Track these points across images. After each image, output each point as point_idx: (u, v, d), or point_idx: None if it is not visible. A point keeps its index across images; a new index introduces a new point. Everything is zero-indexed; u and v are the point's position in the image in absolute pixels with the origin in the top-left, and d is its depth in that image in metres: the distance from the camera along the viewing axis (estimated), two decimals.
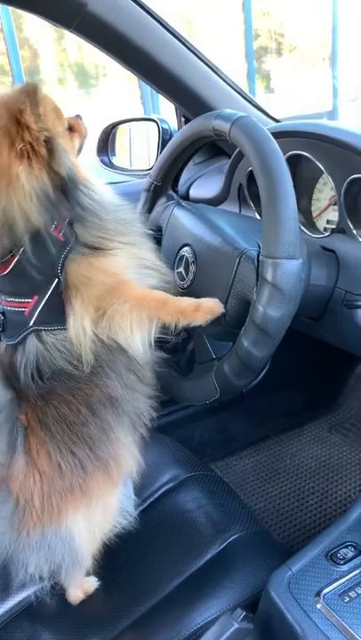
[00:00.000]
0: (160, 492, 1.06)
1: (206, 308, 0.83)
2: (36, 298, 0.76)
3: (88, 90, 6.78)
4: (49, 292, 0.75)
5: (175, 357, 1.06)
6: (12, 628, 0.88)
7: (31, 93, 0.69)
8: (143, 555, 0.95)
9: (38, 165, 0.72)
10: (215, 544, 0.94)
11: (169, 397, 1.01)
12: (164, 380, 0.99)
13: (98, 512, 0.84)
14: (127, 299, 0.77)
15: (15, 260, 0.74)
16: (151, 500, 1.05)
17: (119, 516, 0.90)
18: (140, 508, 1.02)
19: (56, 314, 0.76)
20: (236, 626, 0.70)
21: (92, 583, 0.92)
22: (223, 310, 0.85)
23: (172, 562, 0.92)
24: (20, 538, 0.78)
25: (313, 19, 7.06)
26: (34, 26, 5.53)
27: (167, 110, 1.83)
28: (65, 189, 0.75)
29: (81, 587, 0.91)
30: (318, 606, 0.70)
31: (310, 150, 1.01)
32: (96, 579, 0.93)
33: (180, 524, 1.00)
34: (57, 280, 0.75)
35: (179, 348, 1.18)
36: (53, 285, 0.75)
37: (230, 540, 0.95)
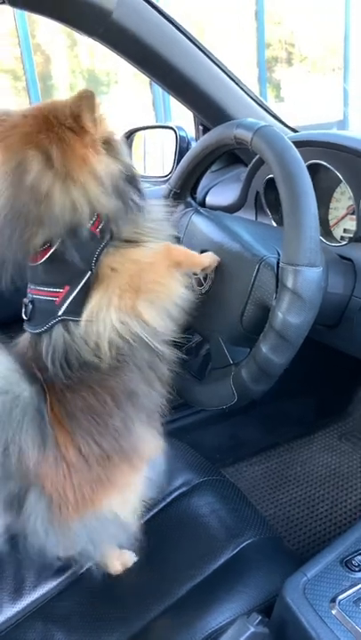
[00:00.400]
0: (173, 496, 1.07)
1: (206, 254, 0.93)
2: (67, 288, 0.78)
3: (100, 96, 6.81)
4: (81, 284, 0.77)
5: (188, 362, 1.07)
6: (25, 627, 0.89)
7: (89, 99, 0.75)
8: (156, 558, 0.95)
9: (107, 158, 0.78)
10: (228, 549, 0.95)
11: (183, 401, 1.02)
12: (179, 384, 1.00)
13: (128, 494, 0.87)
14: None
15: (52, 250, 0.77)
16: (164, 503, 1.05)
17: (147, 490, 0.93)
18: (153, 512, 1.03)
19: (85, 305, 0.78)
20: (253, 630, 0.71)
21: (131, 557, 0.95)
22: (219, 258, 0.92)
23: (185, 565, 0.93)
24: (62, 531, 0.80)
25: (324, 28, 7.08)
26: (47, 32, 5.59)
27: (179, 117, 1.85)
28: (130, 181, 0.81)
29: (120, 559, 0.94)
30: (334, 612, 0.70)
31: (329, 160, 1.02)
32: (134, 553, 0.96)
33: (193, 528, 1.00)
34: (90, 272, 0.78)
35: (192, 353, 1.19)
36: (86, 277, 0.78)
37: (243, 545, 0.96)
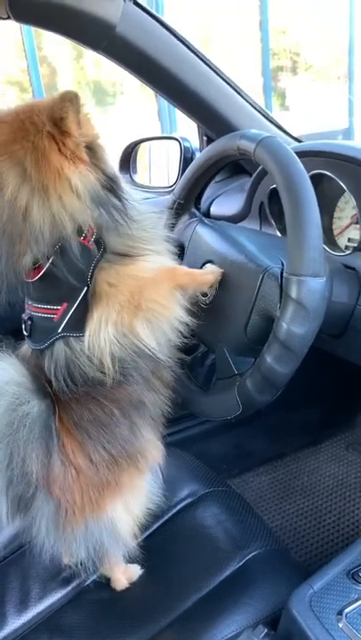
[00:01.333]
0: (179, 507, 1.07)
1: (210, 270, 0.92)
2: (65, 305, 0.77)
3: (105, 107, 6.87)
4: (78, 300, 0.77)
5: (193, 372, 1.07)
6: (31, 639, 0.89)
7: (72, 100, 0.71)
8: (161, 570, 0.95)
9: (85, 167, 0.75)
10: (234, 560, 0.94)
11: (188, 412, 1.02)
12: (185, 395, 1.00)
13: (132, 498, 0.87)
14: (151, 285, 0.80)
15: (45, 267, 0.76)
16: (170, 514, 1.05)
17: (149, 496, 0.94)
18: (159, 523, 1.03)
19: (84, 321, 0.77)
20: None
21: (136, 570, 0.95)
22: (222, 270, 0.91)
23: (191, 577, 0.92)
24: (65, 534, 0.81)
25: (329, 37, 7.11)
26: (53, 44, 5.64)
27: (184, 128, 1.86)
28: (110, 189, 0.78)
29: (125, 573, 0.94)
30: (340, 625, 0.70)
31: (332, 169, 1.02)
32: (139, 567, 0.96)
33: (198, 539, 1.00)
34: (86, 288, 0.77)
35: (197, 363, 1.18)
36: (83, 293, 0.77)
37: (249, 556, 0.95)
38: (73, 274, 0.75)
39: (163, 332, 0.82)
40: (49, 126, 0.72)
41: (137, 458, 0.85)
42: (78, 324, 0.77)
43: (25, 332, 0.82)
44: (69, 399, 0.78)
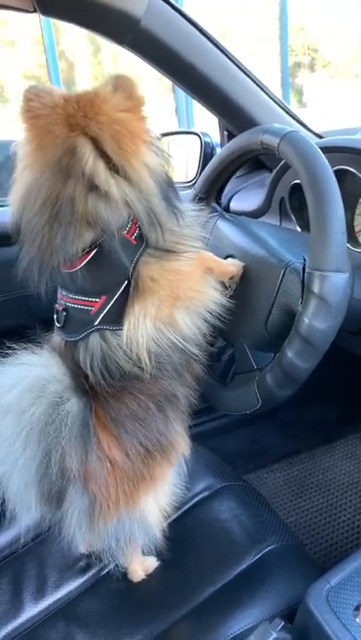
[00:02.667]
0: (195, 501, 1.07)
1: (233, 262, 0.93)
2: (104, 298, 0.77)
3: None
4: (118, 294, 0.77)
5: (210, 367, 1.07)
6: (48, 627, 0.90)
7: (133, 78, 0.73)
8: (178, 562, 0.95)
9: (153, 145, 0.75)
10: (250, 554, 0.95)
11: (205, 406, 1.02)
12: (203, 389, 1.00)
13: (161, 490, 0.88)
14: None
15: (88, 258, 0.75)
16: (186, 507, 1.06)
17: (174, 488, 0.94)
18: (175, 516, 1.03)
19: (123, 315, 0.77)
20: (275, 635, 0.70)
21: (153, 562, 0.96)
22: (244, 264, 0.92)
23: (207, 570, 0.93)
24: (98, 527, 0.81)
25: (347, 34, 7.05)
26: (71, 39, 5.65)
27: (201, 123, 1.85)
28: (168, 176, 0.79)
29: (142, 564, 0.95)
30: (358, 620, 0.70)
31: (355, 165, 1.02)
32: (156, 558, 0.96)
33: (214, 532, 1.00)
34: (127, 282, 0.77)
35: (214, 358, 1.19)
36: (123, 287, 0.77)
37: (265, 550, 0.95)
38: (114, 266, 0.75)
39: (200, 315, 0.83)
40: (123, 101, 0.72)
41: (169, 450, 0.85)
42: (116, 317, 0.77)
43: (57, 323, 0.82)
44: (106, 394, 0.78)
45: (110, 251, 0.74)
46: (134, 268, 0.76)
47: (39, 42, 5.24)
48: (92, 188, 0.71)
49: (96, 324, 0.77)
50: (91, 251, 0.74)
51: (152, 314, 0.77)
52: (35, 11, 0.97)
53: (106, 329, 0.78)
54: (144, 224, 0.75)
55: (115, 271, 0.76)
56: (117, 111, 0.73)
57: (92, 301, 0.77)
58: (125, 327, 0.77)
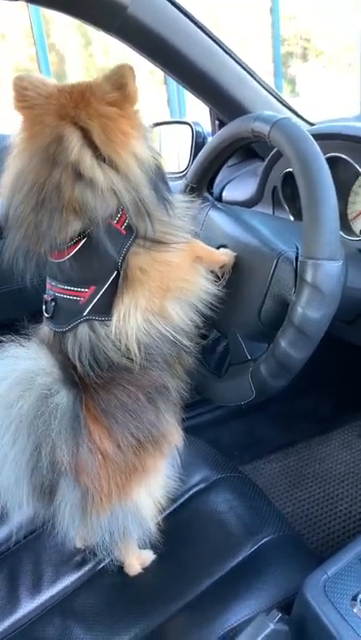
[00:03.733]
0: (191, 493, 1.07)
1: (225, 251, 0.92)
2: (93, 288, 0.76)
3: None
4: (107, 284, 0.76)
5: (205, 359, 1.06)
6: (44, 622, 0.89)
7: (131, 69, 0.72)
8: (174, 554, 0.95)
9: (142, 138, 0.75)
10: (247, 546, 0.94)
11: (201, 398, 1.01)
12: (197, 381, 0.99)
13: (155, 481, 0.87)
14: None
15: (78, 247, 0.74)
16: (182, 500, 1.05)
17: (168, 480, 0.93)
18: (171, 509, 1.03)
19: (112, 306, 0.77)
20: (272, 627, 0.70)
21: (149, 555, 0.95)
22: (236, 254, 0.91)
23: (203, 562, 0.92)
24: (91, 520, 0.80)
25: (339, 23, 7.02)
26: (62, 32, 5.61)
27: (193, 114, 1.84)
28: (159, 167, 0.79)
29: (138, 558, 0.94)
30: (355, 610, 0.69)
31: (348, 152, 1.01)
32: (152, 551, 0.96)
33: (211, 524, 1.00)
34: (116, 272, 0.76)
35: (209, 350, 1.18)
36: (112, 277, 0.76)
37: (262, 542, 0.95)
38: (104, 256, 0.74)
39: (192, 305, 0.83)
40: (113, 93, 0.72)
41: (161, 441, 0.85)
42: (105, 308, 0.77)
43: (46, 314, 0.81)
44: (96, 386, 0.78)
45: (98, 240, 0.73)
46: (124, 258, 0.76)
47: (29, 34, 5.19)
48: (78, 176, 0.71)
49: (85, 314, 0.77)
50: (79, 240, 0.74)
51: (142, 305, 0.77)
52: None
53: (95, 319, 0.77)
54: (132, 214, 0.74)
55: (104, 261, 0.75)
56: (108, 103, 0.73)
57: (80, 291, 0.77)
58: (115, 318, 0.77)
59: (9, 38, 6.00)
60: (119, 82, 0.72)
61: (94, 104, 0.72)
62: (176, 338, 0.81)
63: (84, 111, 0.72)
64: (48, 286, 0.82)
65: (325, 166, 0.78)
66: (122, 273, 0.76)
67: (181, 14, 1.09)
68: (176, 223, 0.82)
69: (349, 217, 1.11)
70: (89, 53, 6.54)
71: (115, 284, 0.76)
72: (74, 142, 0.71)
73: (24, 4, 1.00)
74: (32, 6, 1.02)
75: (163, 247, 0.79)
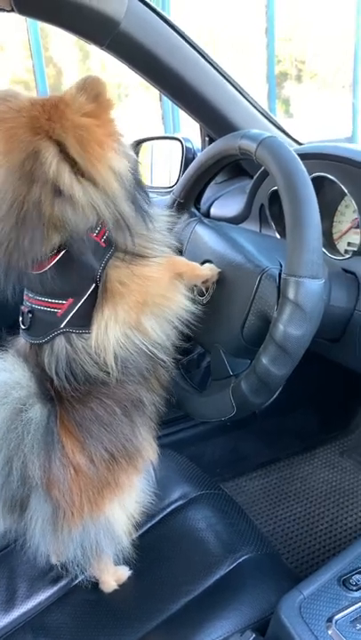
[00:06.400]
0: (169, 510, 1.05)
1: (208, 266, 0.92)
2: (71, 301, 0.76)
3: None
4: (85, 296, 0.76)
5: (189, 374, 1.06)
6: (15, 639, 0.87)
7: (100, 79, 0.72)
8: (150, 572, 0.94)
9: (119, 149, 0.75)
10: (224, 564, 0.93)
11: (182, 413, 1.01)
12: (179, 396, 0.99)
13: (128, 497, 0.86)
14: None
15: (56, 259, 0.74)
16: (160, 516, 1.04)
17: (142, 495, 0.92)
18: (149, 525, 1.02)
19: (90, 318, 0.76)
20: None
21: (125, 572, 0.94)
22: (220, 270, 0.92)
23: (180, 580, 0.91)
24: (62, 535, 0.79)
25: (334, 45, 7.14)
26: (60, 45, 5.65)
27: (188, 130, 1.86)
28: (137, 181, 0.78)
29: (114, 574, 0.93)
30: (330, 632, 0.69)
31: (334, 172, 1.02)
32: (128, 568, 0.94)
33: (189, 542, 0.99)
34: (94, 285, 0.76)
35: (193, 364, 1.17)
36: (91, 289, 0.76)
37: (240, 560, 0.94)
38: (82, 269, 0.74)
39: (169, 322, 0.82)
40: (88, 104, 0.72)
41: (136, 456, 0.84)
42: (83, 320, 0.76)
43: (22, 325, 0.81)
44: (71, 399, 0.77)
45: (78, 253, 0.73)
46: (103, 270, 0.76)
47: (27, 47, 5.23)
48: (57, 192, 0.70)
49: (62, 326, 0.76)
50: (58, 252, 0.73)
51: (121, 318, 0.77)
52: (12, 10, 0.96)
53: (72, 332, 0.76)
54: (112, 228, 0.74)
55: (82, 273, 0.75)
56: (82, 114, 0.72)
57: (58, 303, 0.76)
58: (94, 330, 0.76)
59: (7, 50, 6.03)
60: (93, 92, 0.72)
61: (69, 115, 0.71)
62: (153, 352, 0.81)
63: (59, 123, 0.70)
64: (25, 297, 0.81)
65: (310, 185, 0.78)
66: (101, 286, 0.76)
67: (173, 31, 1.10)
68: (155, 237, 0.82)
69: (335, 236, 1.12)
70: (87, 67, 6.59)
71: (93, 296, 0.76)
72: (50, 157, 0.70)
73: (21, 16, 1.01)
74: (30, 19, 1.03)
75: (142, 261, 0.79)
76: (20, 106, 0.72)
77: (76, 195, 0.70)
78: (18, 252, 0.71)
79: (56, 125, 0.70)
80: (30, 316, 0.79)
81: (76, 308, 0.76)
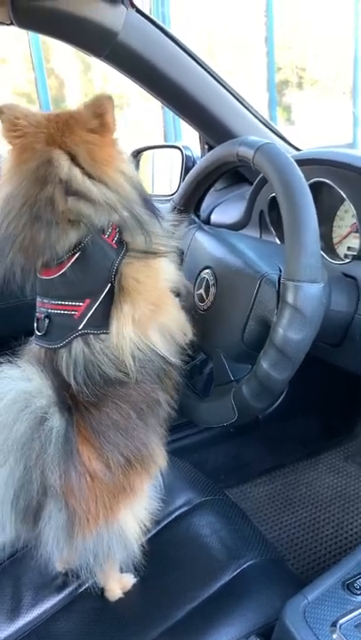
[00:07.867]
0: (174, 516, 1.05)
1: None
2: (87, 301, 0.77)
3: None
4: (102, 296, 0.77)
5: (192, 380, 1.06)
6: None
7: (109, 99, 0.76)
8: (155, 578, 0.94)
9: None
10: (229, 570, 0.93)
11: (185, 419, 1.01)
12: (182, 402, 0.99)
13: (139, 503, 0.86)
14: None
15: (71, 261, 0.75)
16: (165, 523, 1.04)
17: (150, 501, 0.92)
18: (154, 531, 1.01)
19: (107, 317, 0.78)
20: None
21: (130, 579, 0.93)
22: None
23: (185, 587, 0.91)
24: (76, 543, 0.79)
25: (335, 52, 7.17)
26: (61, 57, 5.70)
27: (189, 139, 1.87)
28: (141, 186, 0.82)
29: (119, 582, 0.92)
30: (334, 636, 0.69)
31: (332, 178, 1.02)
32: (133, 575, 0.94)
33: (193, 548, 0.98)
34: (110, 284, 0.77)
35: (196, 371, 1.18)
36: (107, 289, 0.77)
37: (244, 566, 0.93)
38: (97, 269, 0.76)
39: (173, 333, 0.85)
40: (94, 122, 0.76)
41: (149, 462, 0.84)
42: (101, 320, 0.77)
43: (38, 332, 0.81)
44: (88, 404, 0.77)
45: (94, 251, 0.75)
46: (117, 270, 0.77)
47: (29, 59, 5.27)
48: (71, 191, 0.73)
49: (80, 328, 0.77)
50: (74, 254, 0.75)
51: (139, 315, 0.78)
52: (11, 23, 0.98)
53: (90, 333, 0.77)
54: (130, 228, 0.78)
55: (98, 273, 0.76)
56: (89, 130, 0.76)
57: (75, 305, 0.77)
58: (114, 329, 0.77)
59: (9, 62, 6.09)
60: (98, 111, 0.76)
61: (78, 131, 0.76)
62: (164, 354, 0.82)
63: (70, 138, 0.75)
64: (39, 304, 0.81)
65: (307, 191, 0.79)
66: (116, 284, 0.77)
67: (171, 41, 1.12)
68: (161, 234, 0.84)
69: (334, 241, 1.12)
70: (88, 79, 6.63)
71: (110, 295, 0.77)
72: (63, 162, 0.74)
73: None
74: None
75: (155, 257, 0.81)
76: (37, 121, 0.76)
77: (90, 191, 0.74)
78: (34, 248, 0.73)
79: (67, 139, 0.75)
80: (47, 321, 0.79)
81: (94, 308, 0.77)
